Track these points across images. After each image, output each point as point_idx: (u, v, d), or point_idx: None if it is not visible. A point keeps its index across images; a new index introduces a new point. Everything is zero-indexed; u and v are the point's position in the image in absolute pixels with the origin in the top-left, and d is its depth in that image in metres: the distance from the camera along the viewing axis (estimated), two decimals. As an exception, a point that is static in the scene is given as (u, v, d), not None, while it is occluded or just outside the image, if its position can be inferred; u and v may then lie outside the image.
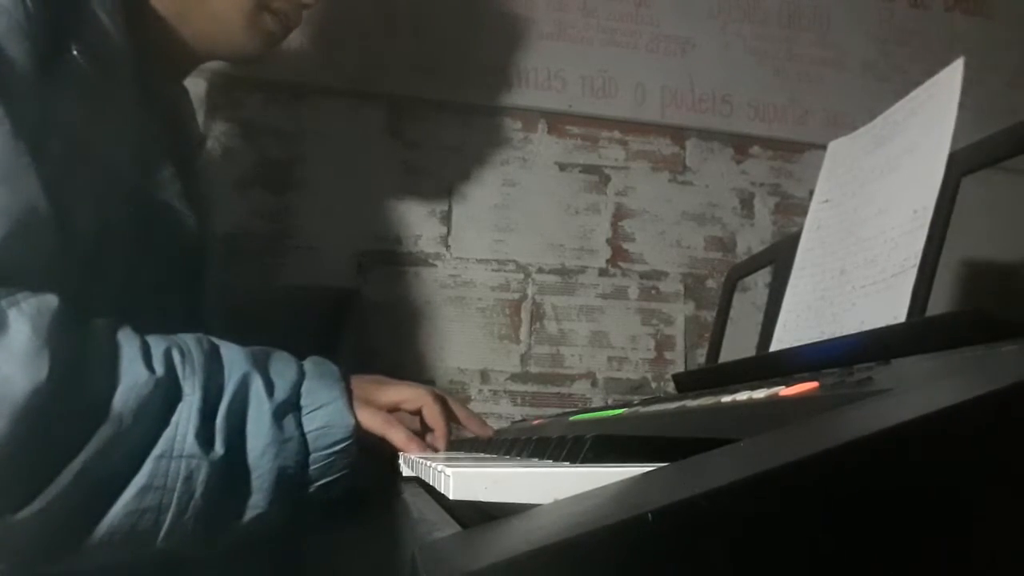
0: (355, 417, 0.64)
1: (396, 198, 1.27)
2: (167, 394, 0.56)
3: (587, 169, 1.34)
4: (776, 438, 0.24)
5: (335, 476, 0.63)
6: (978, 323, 0.42)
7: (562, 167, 1.33)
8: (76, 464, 0.51)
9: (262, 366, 0.62)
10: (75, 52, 0.59)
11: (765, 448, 0.24)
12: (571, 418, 0.73)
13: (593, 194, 1.34)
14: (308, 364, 0.66)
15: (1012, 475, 0.22)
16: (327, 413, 0.63)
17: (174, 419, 0.55)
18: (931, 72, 0.67)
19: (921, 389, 0.27)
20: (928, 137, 0.65)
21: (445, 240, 1.28)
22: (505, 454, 0.58)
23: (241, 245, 1.18)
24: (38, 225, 0.54)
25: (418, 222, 1.27)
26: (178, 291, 0.71)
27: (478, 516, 0.34)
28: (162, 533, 0.56)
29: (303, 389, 0.63)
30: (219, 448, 0.57)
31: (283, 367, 0.64)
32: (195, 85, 0.88)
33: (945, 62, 0.65)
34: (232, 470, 0.58)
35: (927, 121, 0.66)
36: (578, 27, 1.34)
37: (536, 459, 0.46)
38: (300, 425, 0.61)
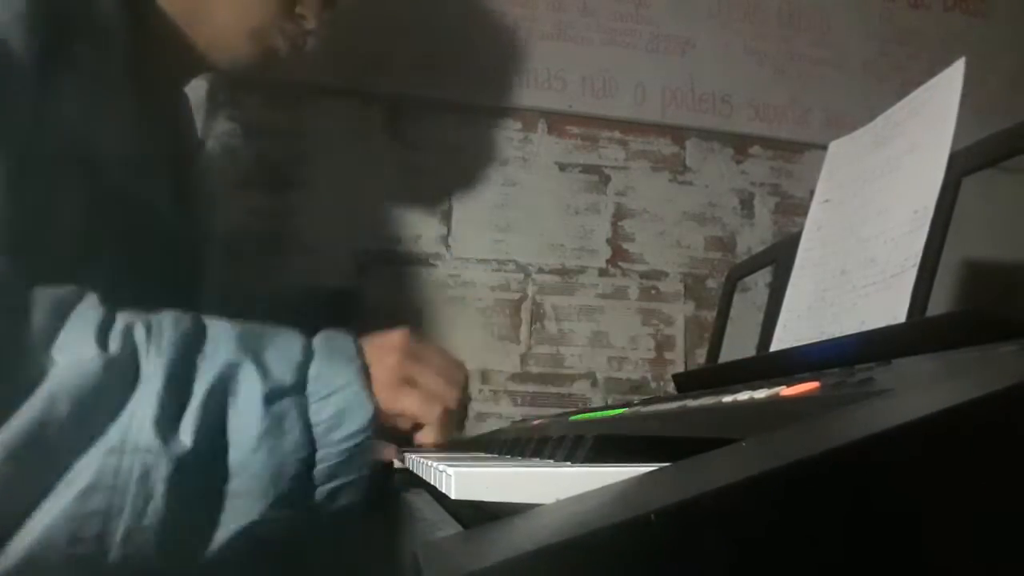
0: (375, 402, 0.55)
1: (396, 198, 1.27)
2: (121, 377, 0.47)
3: (587, 169, 1.34)
4: (778, 438, 0.24)
5: (349, 478, 0.54)
6: (978, 323, 0.42)
7: (562, 167, 1.33)
8: None
9: (256, 347, 0.53)
10: (78, 49, 0.58)
11: (767, 448, 0.24)
12: (571, 418, 0.73)
13: (593, 194, 1.34)
14: (317, 340, 0.57)
15: (1013, 476, 0.22)
16: (339, 400, 0.54)
17: (129, 407, 0.47)
18: (931, 72, 0.67)
19: (922, 390, 0.27)
20: (928, 137, 0.65)
21: (445, 240, 1.28)
22: (506, 454, 0.58)
23: (241, 245, 1.18)
24: None
25: (418, 222, 1.27)
26: (173, 295, 0.71)
27: (479, 516, 0.34)
28: (115, 542, 0.47)
29: (310, 373, 0.54)
30: (186, 440, 0.48)
31: (285, 347, 0.55)
32: (195, 86, 0.88)
33: (945, 62, 0.65)
34: (209, 469, 0.49)
35: (927, 121, 0.66)
36: (578, 27, 1.34)
37: (537, 459, 0.46)
38: (305, 414, 0.53)
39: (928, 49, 1.46)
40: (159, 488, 0.47)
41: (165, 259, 0.68)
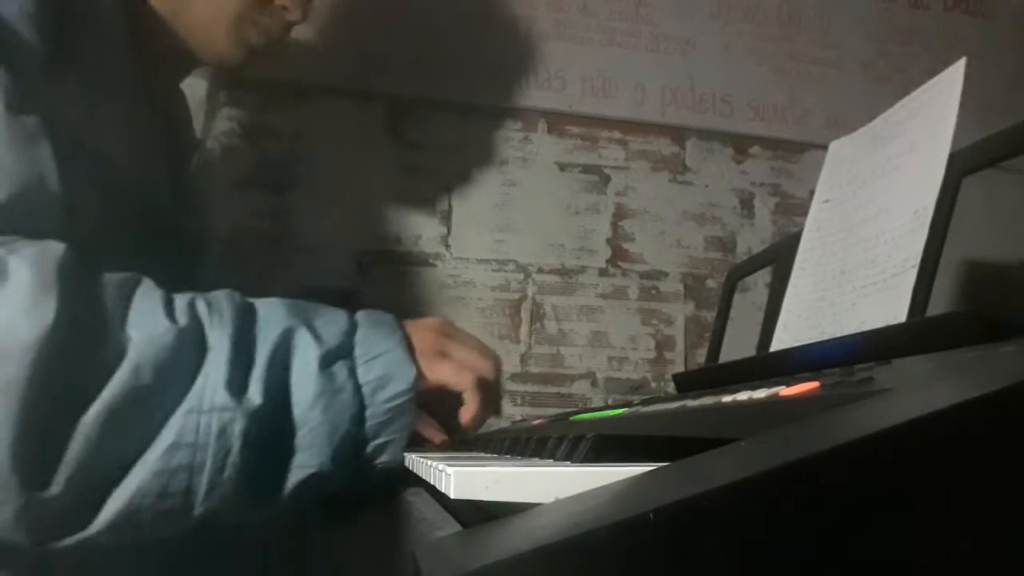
0: (416, 367, 0.60)
1: (396, 198, 1.27)
2: (193, 346, 0.53)
3: (587, 169, 1.34)
4: (777, 437, 0.24)
5: (392, 437, 0.59)
6: (978, 323, 0.42)
7: (562, 167, 1.33)
8: (91, 417, 0.48)
9: (305, 317, 0.58)
10: (82, 48, 0.59)
11: (766, 447, 0.24)
12: (571, 418, 0.73)
13: (593, 194, 1.34)
14: (360, 314, 0.62)
15: (1012, 475, 0.22)
16: (384, 362, 0.58)
17: (203, 371, 0.52)
18: (931, 72, 0.67)
19: (922, 389, 0.27)
20: (928, 137, 0.65)
21: (445, 240, 1.28)
22: (505, 454, 0.58)
23: (241, 245, 1.18)
24: (45, 198, 0.53)
25: (418, 222, 1.27)
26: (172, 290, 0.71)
27: (478, 515, 0.34)
28: (200, 495, 0.52)
29: (356, 338, 0.59)
30: (256, 398, 0.53)
31: (331, 316, 0.60)
32: (195, 85, 0.88)
33: (945, 62, 0.65)
34: (276, 424, 0.54)
35: (927, 121, 0.66)
36: (578, 27, 1.34)
37: (537, 459, 0.46)
38: (354, 375, 0.57)
39: (928, 49, 1.46)
40: (236, 443, 0.52)
41: (165, 255, 0.69)
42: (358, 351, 0.58)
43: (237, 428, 0.52)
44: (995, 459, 0.21)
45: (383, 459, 0.59)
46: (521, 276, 1.30)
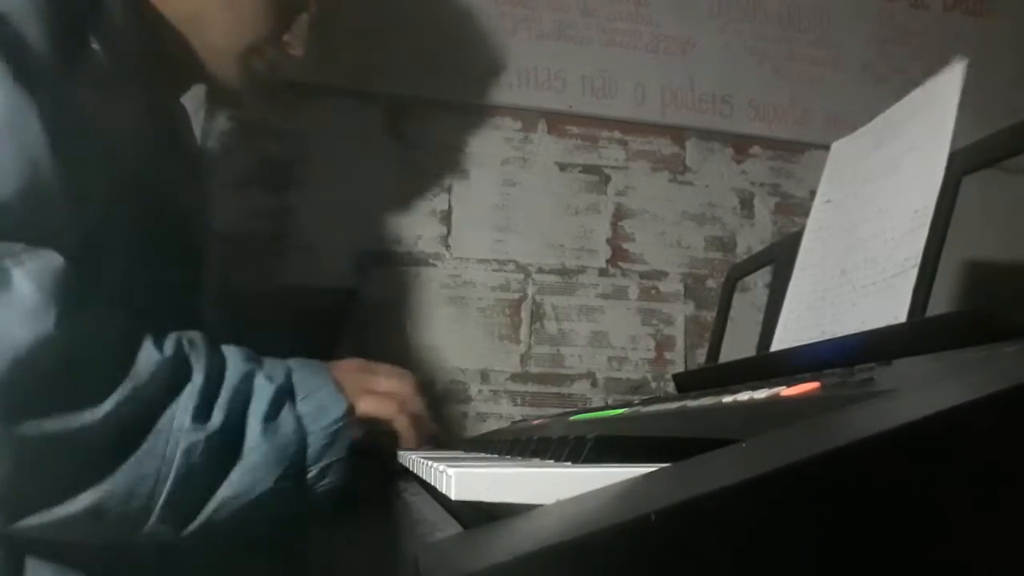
0: (347, 399, 0.68)
1: (396, 198, 1.27)
2: (176, 373, 0.59)
3: (587, 169, 1.34)
4: (778, 438, 0.24)
5: (334, 459, 0.66)
6: (979, 323, 0.42)
7: (562, 167, 1.33)
8: (87, 423, 0.53)
9: (258, 362, 0.66)
10: (95, 45, 0.60)
11: (768, 448, 0.24)
12: (571, 418, 0.73)
13: (593, 194, 1.34)
14: (292, 360, 0.70)
15: (1014, 475, 0.22)
16: (319, 397, 0.67)
17: (180, 397, 0.59)
18: (931, 72, 0.67)
19: (923, 390, 0.27)
20: (928, 137, 0.65)
21: (445, 240, 1.28)
22: (506, 454, 0.58)
23: (241, 245, 1.18)
24: (44, 188, 0.55)
25: (418, 222, 1.27)
26: (174, 292, 0.71)
27: (479, 516, 0.34)
28: (159, 505, 0.57)
29: (294, 379, 0.67)
30: (216, 423, 0.60)
31: (274, 362, 0.68)
32: (195, 86, 0.88)
33: (945, 62, 0.65)
34: (231, 448, 0.61)
35: (927, 121, 0.66)
36: (578, 27, 1.34)
37: (537, 459, 0.46)
38: (294, 409, 0.65)
39: (928, 49, 1.46)
40: (198, 460, 0.59)
41: (170, 254, 0.69)
42: (296, 389, 0.66)
43: (199, 448, 0.59)
44: (996, 460, 0.21)
45: (327, 480, 0.66)
46: (521, 276, 1.30)
